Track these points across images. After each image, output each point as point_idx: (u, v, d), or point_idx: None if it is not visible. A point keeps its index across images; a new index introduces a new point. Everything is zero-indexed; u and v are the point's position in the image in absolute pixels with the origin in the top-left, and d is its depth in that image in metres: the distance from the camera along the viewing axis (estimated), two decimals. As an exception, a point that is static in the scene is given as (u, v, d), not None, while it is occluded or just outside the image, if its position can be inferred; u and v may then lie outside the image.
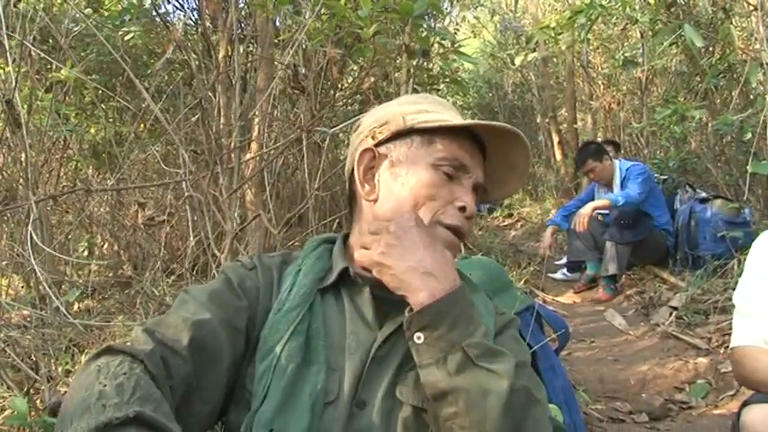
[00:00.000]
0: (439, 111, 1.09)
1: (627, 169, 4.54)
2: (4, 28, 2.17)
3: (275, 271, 1.08)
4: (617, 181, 4.59)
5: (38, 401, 1.98)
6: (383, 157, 1.08)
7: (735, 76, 4.83)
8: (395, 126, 1.08)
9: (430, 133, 1.06)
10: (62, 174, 4.63)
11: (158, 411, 0.76)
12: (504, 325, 1.08)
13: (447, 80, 4.26)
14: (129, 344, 0.90)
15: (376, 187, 1.08)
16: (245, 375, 0.98)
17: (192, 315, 0.95)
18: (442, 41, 3.43)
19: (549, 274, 4.89)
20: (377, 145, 1.09)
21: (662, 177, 5.00)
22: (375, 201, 1.07)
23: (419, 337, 0.89)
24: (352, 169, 1.12)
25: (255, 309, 1.03)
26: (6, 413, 1.97)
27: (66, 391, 1.81)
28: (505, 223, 7.74)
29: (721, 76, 4.74)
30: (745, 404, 1.46)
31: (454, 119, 1.08)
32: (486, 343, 0.89)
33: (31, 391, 1.99)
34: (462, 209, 1.03)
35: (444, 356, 0.87)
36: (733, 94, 4.83)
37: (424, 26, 3.33)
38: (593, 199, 4.86)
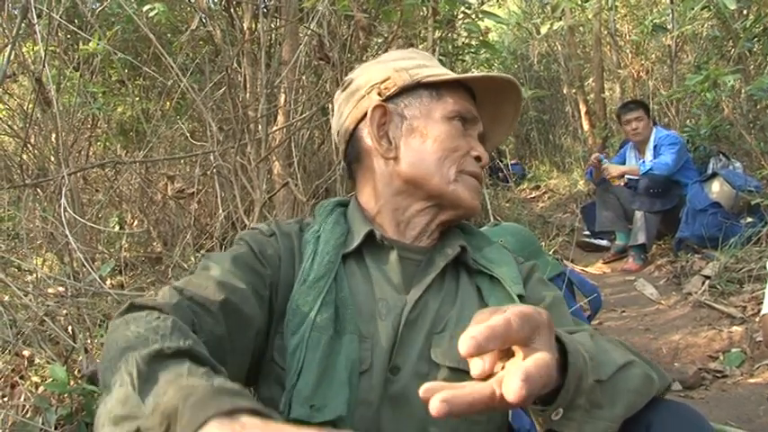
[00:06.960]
0: (434, 65, 1.12)
1: (660, 137, 4.44)
2: (33, 7, 2.19)
3: (295, 238, 1.05)
4: (650, 146, 4.50)
5: (76, 371, 2.02)
6: (393, 113, 1.07)
7: (770, 39, 4.69)
8: (401, 81, 1.07)
9: (436, 87, 1.07)
10: (91, 152, 4.70)
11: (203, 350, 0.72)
12: (529, 272, 1.09)
13: (473, 50, 4.21)
14: (155, 299, 0.85)
15: (392, 144, 1.06)
16: (272, 348, 0.96)
17: (221, 277, 0.91)
18: (467, 11, 3.38)
19: (582, 239, 4.89)
20: (385, 101, 1.07)
21: (693, 147, 4.88)
22: (395, 158, 1.05)
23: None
24: (353, 128, 1.11)
25: (278, 277, 1.00)
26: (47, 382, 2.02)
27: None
28: (532, 195, 7.69)
29: (756, 39, 4.60)
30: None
31: (448, 72, 1.10)
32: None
33: (69, 361, 2.04)
34: (478, 158, 1.07)
35: None
36: (768, 58, 4.70)
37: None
38: (624, 162, 4.78)
